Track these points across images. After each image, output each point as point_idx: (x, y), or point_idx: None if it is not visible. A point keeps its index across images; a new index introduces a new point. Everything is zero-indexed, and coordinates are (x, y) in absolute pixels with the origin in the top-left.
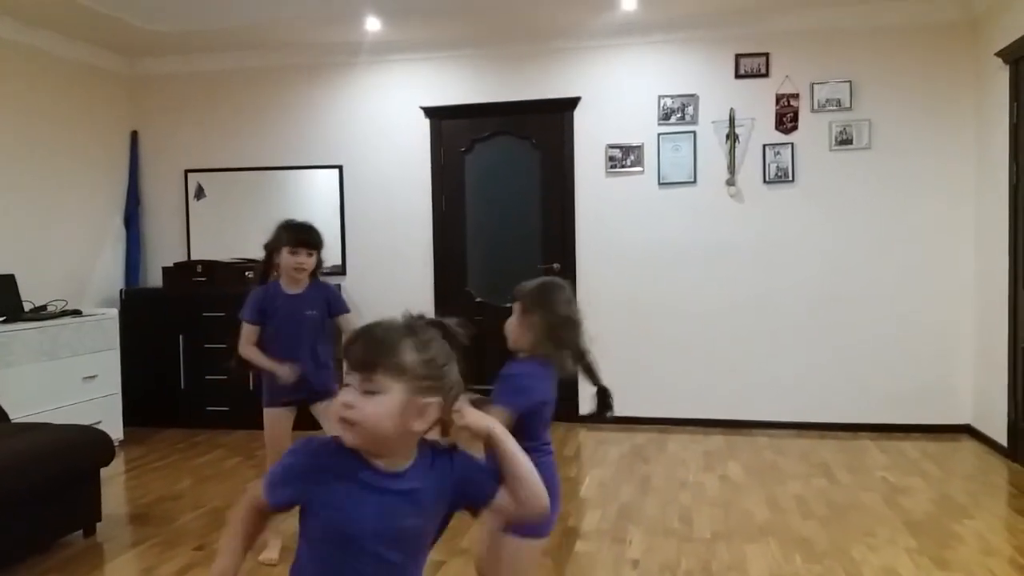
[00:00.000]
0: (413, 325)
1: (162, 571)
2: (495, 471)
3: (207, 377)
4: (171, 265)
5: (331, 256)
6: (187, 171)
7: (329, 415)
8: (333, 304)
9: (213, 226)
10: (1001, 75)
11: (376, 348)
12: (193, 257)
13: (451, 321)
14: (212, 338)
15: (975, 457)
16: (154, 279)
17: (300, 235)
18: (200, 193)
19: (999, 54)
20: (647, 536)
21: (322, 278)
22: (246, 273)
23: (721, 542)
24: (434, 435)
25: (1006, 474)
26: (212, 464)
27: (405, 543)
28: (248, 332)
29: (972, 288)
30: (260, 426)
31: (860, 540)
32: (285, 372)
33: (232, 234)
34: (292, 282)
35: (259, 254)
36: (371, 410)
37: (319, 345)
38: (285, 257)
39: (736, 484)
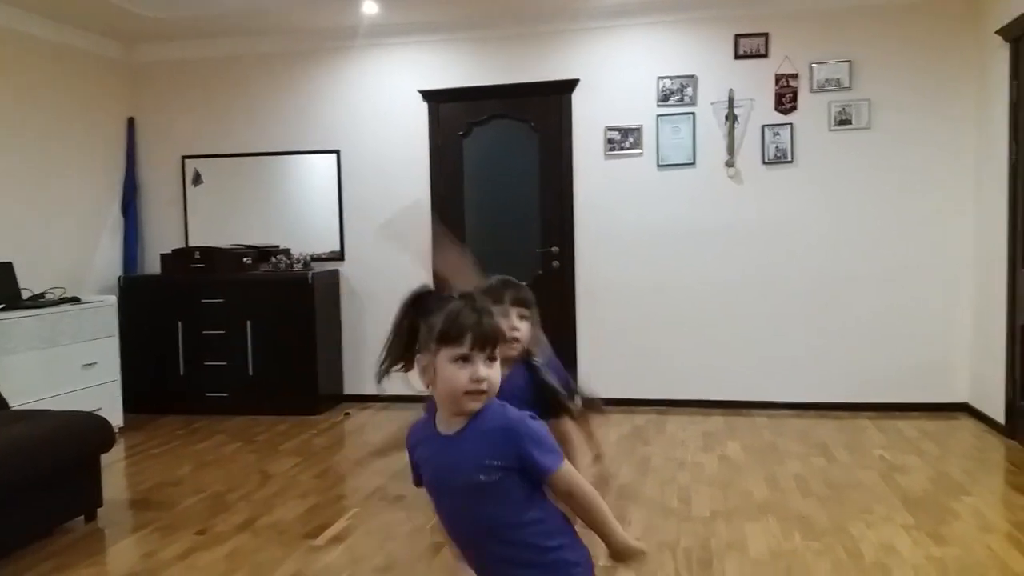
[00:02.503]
0: (482, 301)
1: (164, 555)
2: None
3: (206, 364)
4: (169, 252)
5: (329, 241)
6: (184, 157)
7: None
8: None
9: (211, 212)
10: (1001, 53)
11: (493, 327)
12: (191, 244)
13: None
14: (211, 324)
15: (973, 435)
16: (152, 266)
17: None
18: (197, 179)
19: (999, 32)
20: (647, 515)
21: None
22: (244, 259)
23: (720, 520)
24: None
25: (1003, 452)
26: (212, 450)
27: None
28: None
29: (971, 268)
30: (260, 411)
31: (858, 517)
32: None
33: (230, 220)
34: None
35: (258, 240)
36: (496, 375)
37: None
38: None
39: (735, 464)
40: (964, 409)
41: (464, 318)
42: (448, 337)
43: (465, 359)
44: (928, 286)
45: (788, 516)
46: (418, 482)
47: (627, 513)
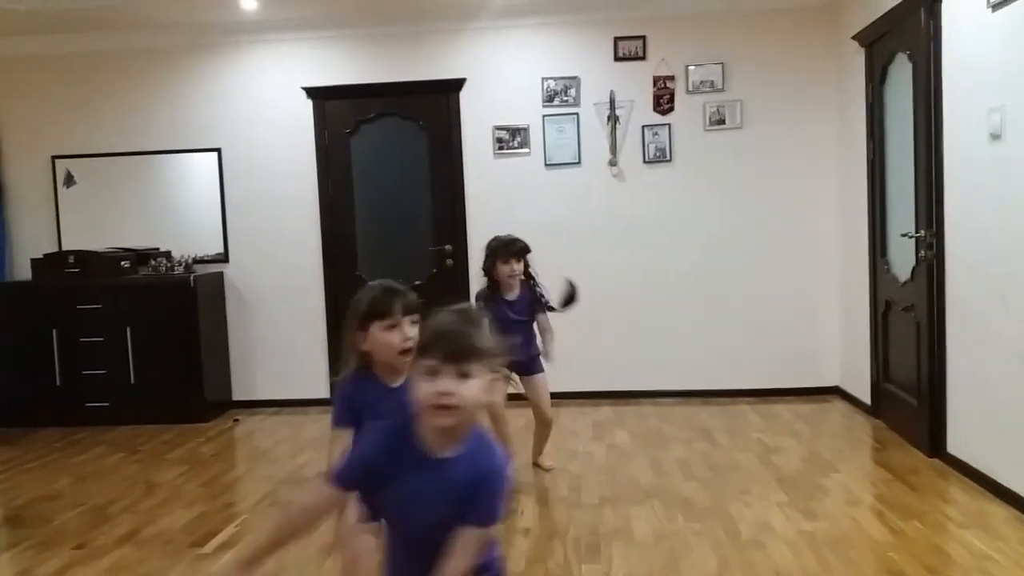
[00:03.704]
0: (472, 314)
1: (38, 573)
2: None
3: (84, 373)
4: (40, 256)
5: (212, 243)
6: (55, 157)
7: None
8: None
9: (85, 215)
10: (858, 58)
11: (465, 341)
12: (65, 247)
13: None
14: (88, 332)
15: (842, 416)
16: (22, 272)
17: (512, 247)
18: (70, 180)
19: (855, 37)
20: (538, 506)
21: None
22: (122, 263)
23: (608, 506)
24: None
25: (870, 430)
26: (92, 461)
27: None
28: None
29: (836, 258)
30: (144, 421)
31: (737, 498)
32: None
33: (106, 223)
34: (508, 289)
35: (137, 243)
36: (468, 393)
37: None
38: (500, 267)
39: (623, 451)
40: (835, 392)
41: (436, 328)
42: (420, 347)
43: (433, 372)
44: (799, 277)
45: (671, 499)
46: None
47: (519, 504)
